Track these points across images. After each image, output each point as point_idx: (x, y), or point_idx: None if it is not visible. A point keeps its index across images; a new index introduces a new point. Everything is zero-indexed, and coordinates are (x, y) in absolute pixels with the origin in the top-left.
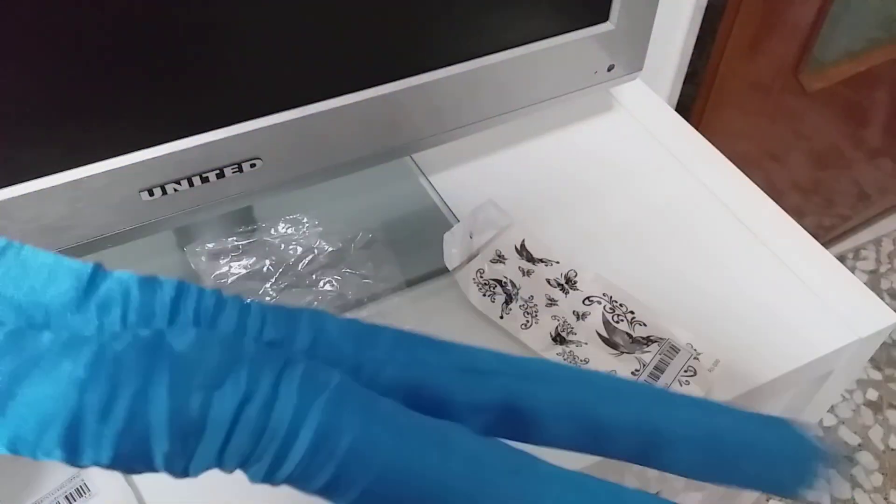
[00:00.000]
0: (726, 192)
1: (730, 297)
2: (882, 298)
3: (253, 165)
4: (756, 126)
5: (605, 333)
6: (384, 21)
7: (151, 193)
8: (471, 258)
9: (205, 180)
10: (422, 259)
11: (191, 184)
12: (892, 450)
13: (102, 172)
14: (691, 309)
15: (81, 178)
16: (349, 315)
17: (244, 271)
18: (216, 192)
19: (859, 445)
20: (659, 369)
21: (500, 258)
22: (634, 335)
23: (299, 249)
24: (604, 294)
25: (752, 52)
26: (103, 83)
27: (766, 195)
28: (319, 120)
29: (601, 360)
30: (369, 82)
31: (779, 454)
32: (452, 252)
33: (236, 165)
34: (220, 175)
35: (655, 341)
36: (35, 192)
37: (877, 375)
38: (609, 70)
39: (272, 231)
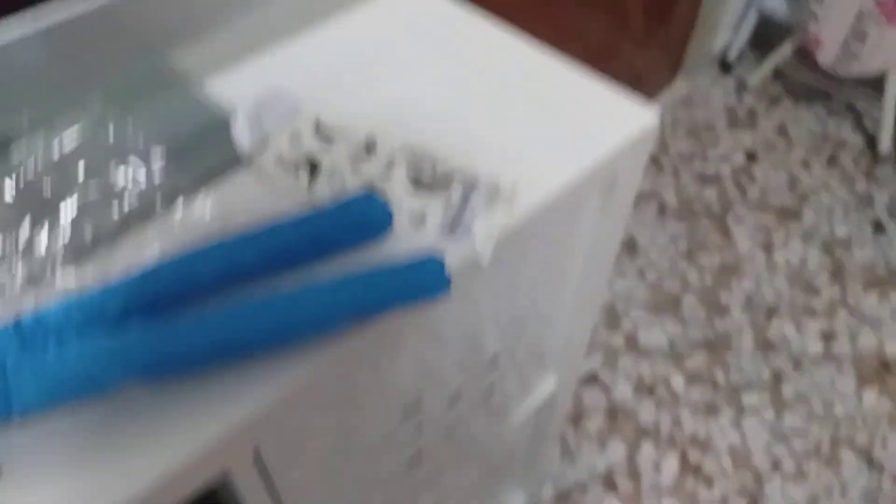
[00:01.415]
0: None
1: (518, 128)
2: (674, 164)
3: None
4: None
5: (411, 184)
6: None
7: None
8: (265, 144)
9: None
10: (211, 158)
11: None
12: (708, 286)
13: None
14: (485, 145)
15: None
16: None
17: (12, 198)
18: None
19: (682, 290)
20: (464, 201)
21: (296, 139)
22: (437, 177)
23: (80, 165)
24: (404, 148)
25: None
26: None
27: (537, 47)
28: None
29: (412, 204)
30: None
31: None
32: (245, 141)
33: None
34: None
35: (458, 178)
36: None
37: (683, 228)
38: None
39: (34, 155)
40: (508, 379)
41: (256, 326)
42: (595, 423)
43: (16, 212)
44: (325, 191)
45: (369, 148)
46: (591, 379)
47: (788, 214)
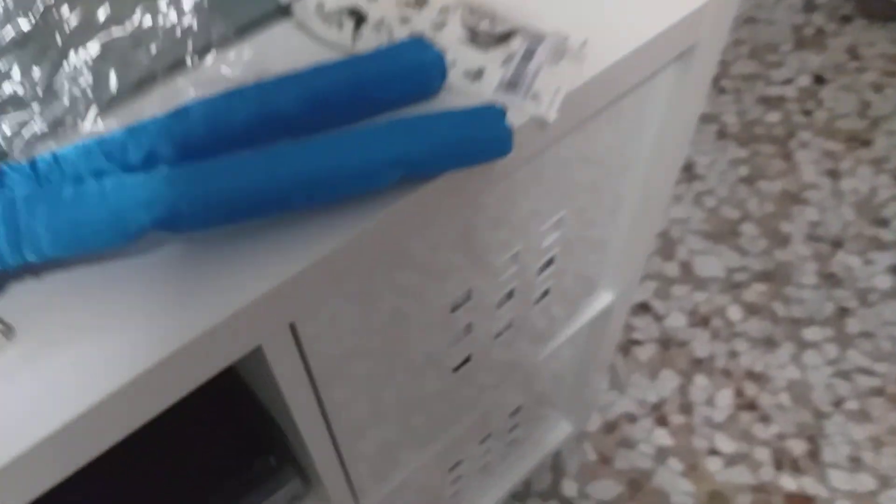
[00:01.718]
0: None
1: None
2: (735, 85)
3: None
4: None
5: (467, 37)
6: None
7: None
8: None
9: None
10: (247, 9)
11: None
12: (769, 214)
13: None
14: (551, 3)
15: None
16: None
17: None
18: None
19: (741, 219)
20: (527, 57)
21: None
22: (497, 31)
23: (104, 5)
24: (459, 1)
25: None
26: None
27: None
28: None
29: (468, 58)
30: None
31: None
32: None
33: None
34: None
35: (520, 33)
36: None
37: (744, 153)
38: None
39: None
40: (563, 286)
41: (295, 169)
42: (646, 352)
43: (34, 52)
44: (370, 43)
45: (420, 0)
46: (643, 308)
47: (857, 141)
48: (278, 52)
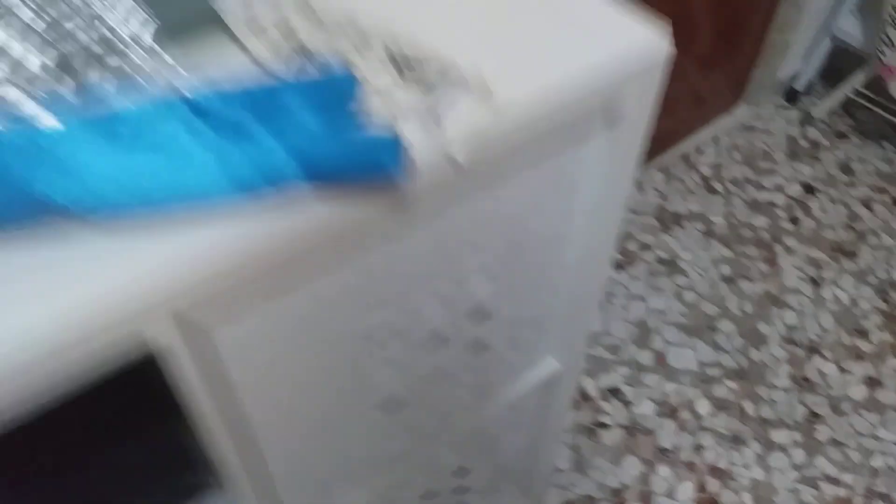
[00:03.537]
0: None
1: (505, 31)
2: (726, 188)
3: None
4: None
5: (393, 69)
6: None
7: None
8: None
9: None
10: (183, 9)
11: None
12: (748, 314)
13: None
14: (463, 40)
15: None
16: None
17: None
18: None
19: (719, 315)
20: (439, 91)
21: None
22: (414, 59)
23: None
24: (382, 30)
25: None
26: None
27: None
28: None
29: (391, 95)
30: None
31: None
32: None
33: None
34: None
35: (431, 65)
36: None
37: (729, 253)
38: None
39: None
40: (501, 341)
41: None
42: (612, 437)
43: None
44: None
45: (348, 24)
46: (613, 392)
47: (843, 252)
48: (210, 53)
